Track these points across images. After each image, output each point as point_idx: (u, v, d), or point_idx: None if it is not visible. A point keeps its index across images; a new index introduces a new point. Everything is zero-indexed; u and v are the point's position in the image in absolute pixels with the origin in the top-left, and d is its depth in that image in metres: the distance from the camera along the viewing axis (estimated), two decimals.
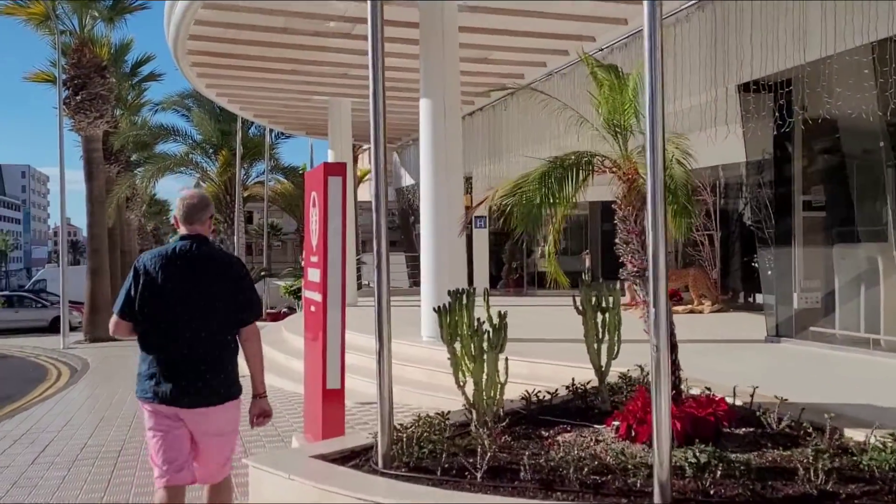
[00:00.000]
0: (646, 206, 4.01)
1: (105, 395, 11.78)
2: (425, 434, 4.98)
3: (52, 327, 27.08)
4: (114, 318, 4.11)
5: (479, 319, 4.86)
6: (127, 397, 11.33)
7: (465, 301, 4.82)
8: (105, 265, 23.99)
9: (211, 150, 28.75)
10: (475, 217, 21.40)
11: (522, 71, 15.83)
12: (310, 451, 5.38)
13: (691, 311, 14.32)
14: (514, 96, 17.31)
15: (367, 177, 28.23)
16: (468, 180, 21.25)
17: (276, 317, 23.89)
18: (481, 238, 21.43)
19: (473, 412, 4.90)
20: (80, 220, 22.63)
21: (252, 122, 28.77)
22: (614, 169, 5.08)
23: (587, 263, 23.26)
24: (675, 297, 14.97)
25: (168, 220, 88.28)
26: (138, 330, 4.09)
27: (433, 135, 11.20)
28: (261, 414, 4.35)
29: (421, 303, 11.24)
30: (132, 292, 4.04)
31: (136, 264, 4.15)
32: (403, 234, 27.25)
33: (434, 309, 4.86)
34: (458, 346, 4.89)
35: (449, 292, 4.79)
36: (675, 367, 5.38)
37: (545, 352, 9.19)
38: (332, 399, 6.26)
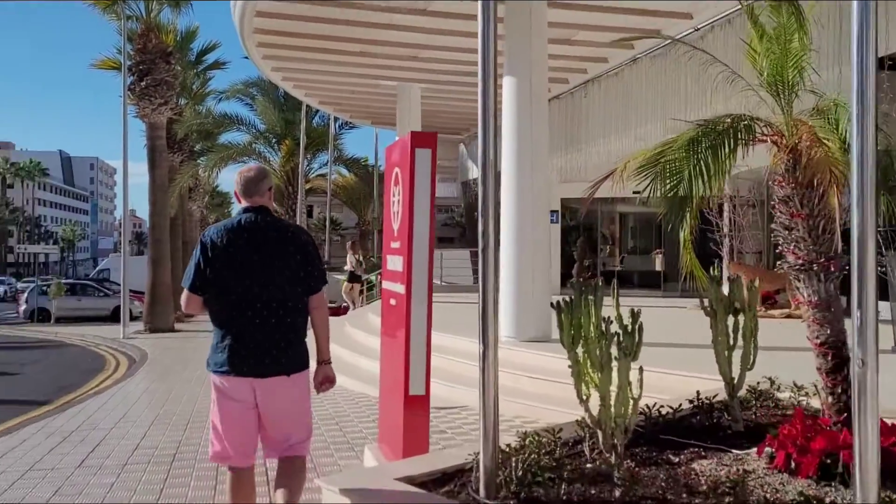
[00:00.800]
0: (822, 184, 3.05)
1: (161, 390, 11.13)
2: (533, 456, 4.08)
3: (114, 316, 26.83)
4: (185, 294, 4.10)
5: (607, 318, 3.93)
6: (184, 394, 10.66)
7: (591, 296, 3.90)
8: (166, 255, 23.59)
9: (274, 140, 28.21)
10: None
11: (606, 54, 14.80)
12: (393, 472, 4.50)
13: (788, 316, 13.12)
14: (596, 83, 16.29)
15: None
16: None
17: (337, 312, 23.23)
18: (553, 233, 20.41)
19: (599, 433, 3.98)
20: (146, 211, 22.38)
21: (316, 112, 28.22)
22: (775, 137, 4.09)
23: (661, 264, 22.12)
24: (769, 300, 13.80)
25: (230, 213, 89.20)
26: (209, 304, 4.10)
27: (517, 119, 10.34)
28: (325, 380, 4.32)
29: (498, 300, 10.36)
30: (201, 265, 4.04)
31: (203, 238, 4.12)
32: (468, 230, 26.36)
33: (552, 304, 3.95)
34: (579, 351, 3.97)
35: (572, 284, 3.87)
36: (843, 383, 4.39)
37: (647, 358, 8.20)
38: (416, 406, 5.38)
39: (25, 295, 31.26)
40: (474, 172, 24.37)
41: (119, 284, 23.94)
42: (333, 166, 29.64)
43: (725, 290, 5.19)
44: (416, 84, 17.24)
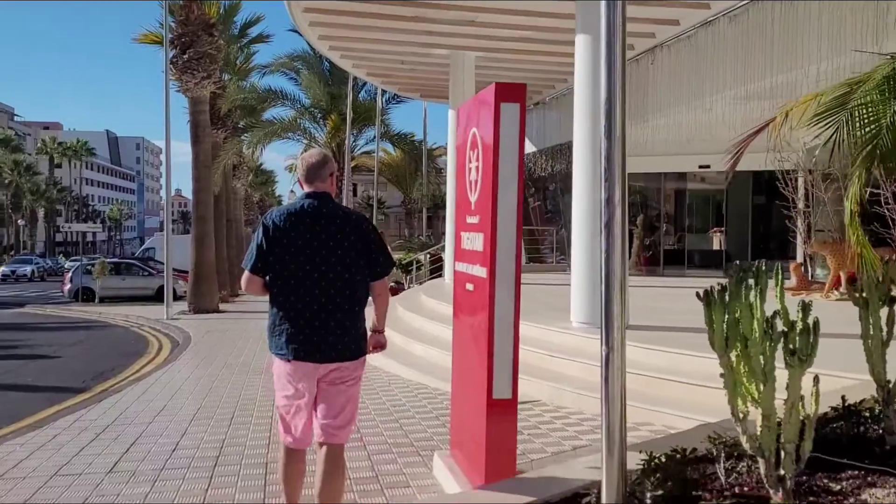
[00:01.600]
0: None
1: (205, 378, 10.41)
2: (657, 478, 3.19)
3: (158, 296, 26.40)
4: (246, 274, 4.16)
5: (770, 317, 2.99)
6: (227, 382, 9.92)
7: (754, 283, 2.96)
8: (210, 233, 22.93)
9: (319, 116, 27.38)
10: None
11: (678, 15, 13.68)
12: (486, 498, 3.64)
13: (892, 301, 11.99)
14: (665, 48, 15.17)
15: None
16: None
17: (394, 292, 22.47)
18: None
19: (761, 462, 3.05)
20: (189, 190, 21.69)
21: (363, 86, 27.36)
22: None
23: (719, 242, 20.97)
24: (856, 282, 12.65)
25: (274, 192, 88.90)
26: (269, 286, 4.15)
27: (592, 81, 9.34)
28: (377, 346, 4.37)
29: (571, 282, 9.40)
30: (263, 247, 4.08)
31: (265, 220, 4.16)
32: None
33: (699, 295, 3.03)
34: (733, 355, 3.04)
35: (730, 267, 2.94)
36: None
37: None
38: (501, 412, 4.50)
39: (70, 274, 30.95)
40: (529, 146, 23.34)
41: (164, 263, 23.39)
42: (380, 143, 28.65)
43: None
44: (471, 52, 16.24)
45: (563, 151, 19.87)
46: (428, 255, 22.79)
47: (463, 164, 5.12)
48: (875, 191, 12.21)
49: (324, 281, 4.03)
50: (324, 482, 4.07)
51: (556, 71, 18.00)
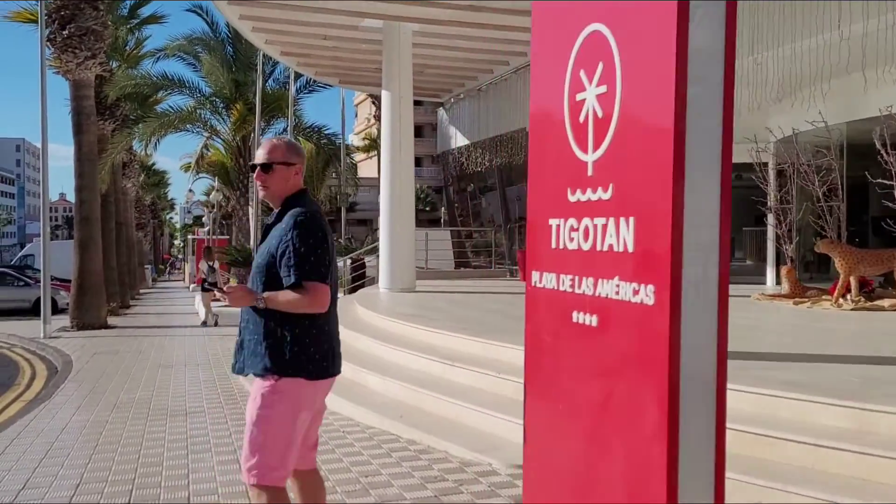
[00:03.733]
0: None
1: (91, 424, 7.87)
2: None
3: (36, 309, 23.08)
4: (321, 286, 3.49)
5: None
6: (122, 429, 7.40)
7: None
8: (97, 237, 19.85)
9: (222, 106, 24.53)
10: None
11: None
12: None
13: None
14: None
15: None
16: None
17: None
18: None
19: None
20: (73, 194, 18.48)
21: (270, 73, 24.71)
22: None
23: None
24: (865, 288, 11.02)
25: (167, 195, 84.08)
26: None
27: None
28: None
29: None
30: (328, 254, 3.60)
31: (320, 221, 3.62)
32: (448, 207, 23.18)
33: None
34: None
35: None
36: None
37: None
38: None
39: None
40: (457, 141, 21.14)
41: (42, 272, 20.24)
42: (290, 136, 25.91)
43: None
44: (408, 23, 14.02)
45: (504, 143, 17.89)
46: (349, 261, 20.39)
47: (551, 105, 2.92)
48: (888, 183, 10.66)
49: (335, 287, 3.70)
50: None
51: (501, 51, 15.98)
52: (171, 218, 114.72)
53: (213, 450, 6.66)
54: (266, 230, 3.79)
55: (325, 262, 3.54)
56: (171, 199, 69.90)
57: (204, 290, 19.35)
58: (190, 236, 48.45)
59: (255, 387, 3.62)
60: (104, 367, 11.99)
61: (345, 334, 10.16)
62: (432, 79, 18.60)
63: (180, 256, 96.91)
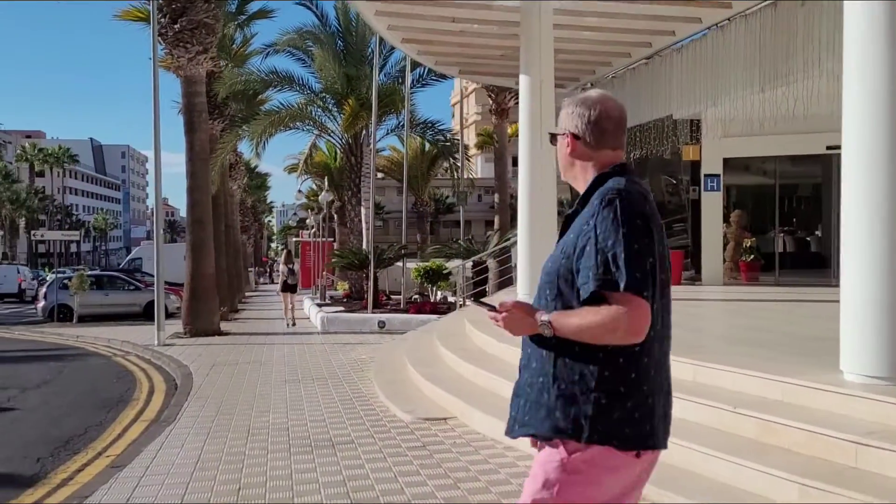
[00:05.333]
0: None
1: (227, 454, 6.69)
2: None
3: (147, 313, 22.68)
4: (639, 301, 2.31)
5: None
6: (265, 463, 6.16)
7: None
8: (209, 240, 18.99)
9: (332, 102, 23.51)
10: (705, 175, 15.73)
11: None
12: None
13: None
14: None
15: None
16: (695, 124, 15.61)
17: (422, 307, 18.72)
18: (713, 205, 15.67)
19: None
20: (177, 200, 18.28)
21: (381, 70, 23.56)
22: None
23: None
24: None
25: (266, 198, 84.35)
26: None
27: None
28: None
29: (842, 310, 5.62)
30: (654, 257, 2.39)
31: (646, 209, 2.43)
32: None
33: None
34: None
35: None
36: None
37: None
38: None
39: (45, 289, 26.96)
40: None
41: (153, 276, 19.60)
42: (399, 133, 24.72)
43: None
44: (549, 1, 12.55)
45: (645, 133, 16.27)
46: (471, 263, 19.06)
47: None
48: None
49: (665, 313, 2.48)
50: None
51: (649, 30, 14.36)
52: (269, 221, 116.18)
53: (380, 498, 5.37)
54: (566, 222, 2.54)
55: (647, 264, 2.36)
56: (271, 202, 70.02)
57: (283, 290, 20.45)
58: (293, 238, 48.07)
59: (538, 458, 2.51)
60: (226, 382, 10.93)
61: (463, 367, 8.79)
62: (560, 65, 17.07)
63: (278, 259, 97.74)
